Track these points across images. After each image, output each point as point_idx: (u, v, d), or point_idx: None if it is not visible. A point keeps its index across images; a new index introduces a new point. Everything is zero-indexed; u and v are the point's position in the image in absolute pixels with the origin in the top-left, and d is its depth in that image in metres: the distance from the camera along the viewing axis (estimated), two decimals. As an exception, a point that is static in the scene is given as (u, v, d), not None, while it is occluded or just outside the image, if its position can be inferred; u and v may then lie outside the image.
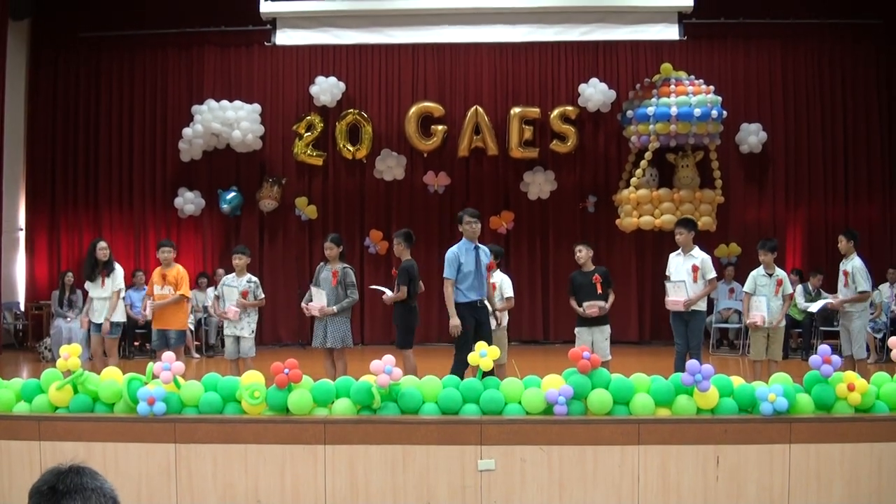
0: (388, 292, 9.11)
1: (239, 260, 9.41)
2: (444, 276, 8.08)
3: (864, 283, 8.84)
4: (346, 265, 9.18)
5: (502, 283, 9.03)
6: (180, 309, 9.35)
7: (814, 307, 10.29)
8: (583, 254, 9.03)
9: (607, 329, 8.95)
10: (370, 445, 5.62)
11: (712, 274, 8.65)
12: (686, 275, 8.64)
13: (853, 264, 8.94)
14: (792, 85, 14.24)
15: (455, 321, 7.98)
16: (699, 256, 8.71)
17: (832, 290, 12.99)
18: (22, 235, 14.36)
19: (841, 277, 9.16)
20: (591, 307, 8.84)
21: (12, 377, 6.42)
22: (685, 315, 8.56)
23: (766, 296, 8.74)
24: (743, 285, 13.38)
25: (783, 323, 8.78)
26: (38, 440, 5.65)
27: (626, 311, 14.20)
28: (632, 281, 14.18)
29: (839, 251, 9.32)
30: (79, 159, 14.45)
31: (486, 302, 8.46)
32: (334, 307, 8.90)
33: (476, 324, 8.10)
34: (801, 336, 12.57)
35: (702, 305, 8.72)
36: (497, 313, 8.84)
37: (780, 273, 8.90)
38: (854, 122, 14.22)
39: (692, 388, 5.66)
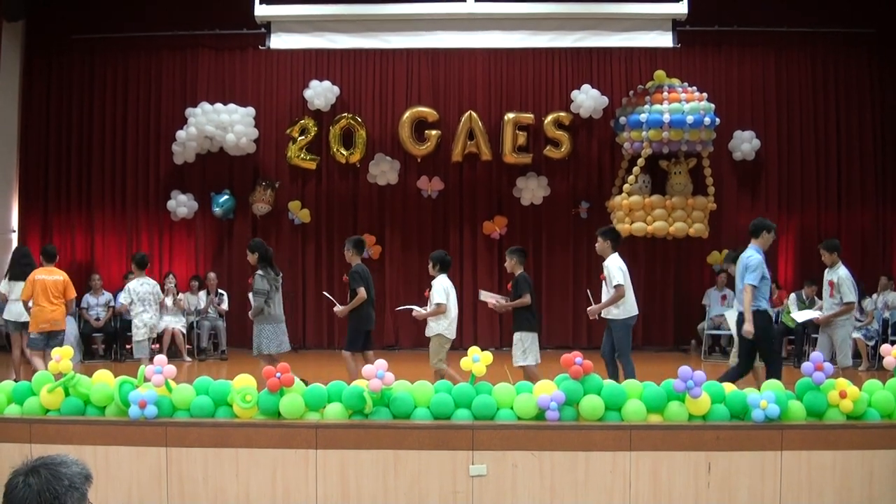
0: (339, 306, 9.29)
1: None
2: (748, 282, 8.09)
3: (849, 294, 8.83)
4: (259, 271, 9.17)
5: (435, 289, 9.06)
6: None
7: (800, 317, 10.29)
8: (507, 262, 9.29)
9: (517, 335, 9.00)
10: (362, 450, 5.61)
11: (616, 282, 8.66)
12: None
13: (839, 274, 8.94)
14: (785, 93, 14.27)
15: (749, 327, 8.02)
16: (608, 265, 8.83)
17: (818, 295, 13.07)
18: (14, 237, 14.31)
19: (826, 287, 9.19)
20: (488, 297, 9.33)
21: (3, 379, 6.39)
22: (608, 322, 8.81)
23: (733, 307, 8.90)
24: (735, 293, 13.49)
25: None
26: (28, 443, 5.64)
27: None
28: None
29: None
30: (72, 161, 14.42)
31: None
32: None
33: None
34: (794, 343, 12.58)
35: (616, 312, 8.74)
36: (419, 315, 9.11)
37: (835, 277, 9.01)
38: (847, 130, 14.27)
39: (684, 394, 5.67)
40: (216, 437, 5.66)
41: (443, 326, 8.95)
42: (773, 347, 8.53)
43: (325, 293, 10.14)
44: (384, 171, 13.93)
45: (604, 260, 8.94)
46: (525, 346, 8.89)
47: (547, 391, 5.74)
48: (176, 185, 14.10)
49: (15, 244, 14.18)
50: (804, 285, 12.77)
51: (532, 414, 5.72)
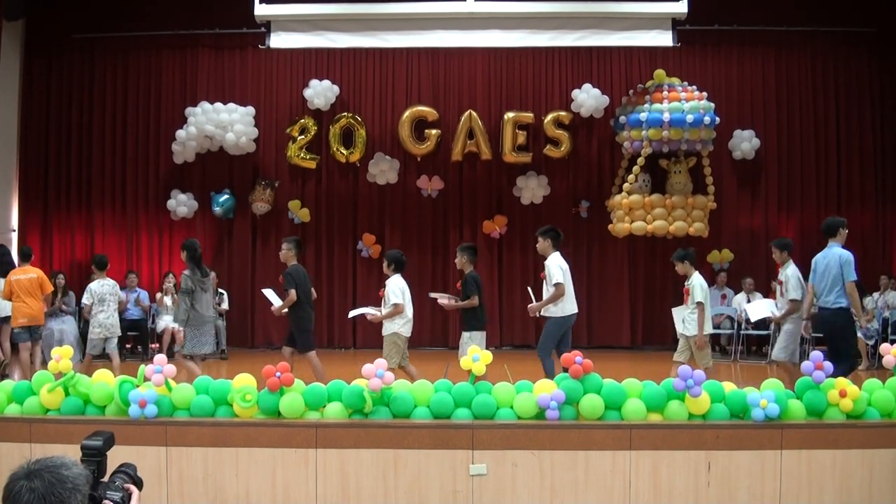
0: (277, 303, 9.41)
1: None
2: (851, 278, 8.34)
3: (793, 292, 8.79)
4: (186, 271, 9.23)
5: (390, 289, 9.06)
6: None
7: (752, 313, 10.20)
8: (457, 259, 9.45)
9: (465, 335, 9.09)
10: (361, 449, 5.61)
11: (555, 280, 8.77)
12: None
13: (787, 273, 8.93)
14: (785, 92, 14.27)
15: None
16: (548, 264, 8.95)
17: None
18: (14, 236, 14.30)
19: (778, 287, 9.22)
20: (440, 297, 9.45)
21: (3, 379, 6.39)
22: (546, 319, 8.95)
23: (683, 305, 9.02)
24: (735, 292, 13.54)
25: (689, 332, 8.84)
26: (28, 442, 5.64)
27: (619, 316, 14.23)
28: (623, 286, 14.21)
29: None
30: (72, 160, 14.43)
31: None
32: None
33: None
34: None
35: (553, 310, 8.85)
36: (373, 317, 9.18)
37: (688, 283, 8.99)
38: (847, 130, 14.27)
39: (684, 393, 5.66)
40: (216, 436, 5.66)
41: (398, 325, 8.93)
42: (851, 346, 8.60)
43: (264, 290, 10.22)
44: (384, 171, 13.92)
45: (545, 259, 9.06)
46: (474, 345, 8.88)
47: (547, 390, 5.74)
48: (176, 185, 14.10)
49: (15, 243, 14.20)
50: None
51: (532, 413, 5.72)
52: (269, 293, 9.89)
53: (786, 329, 8.90)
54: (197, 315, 9.08)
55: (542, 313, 8.93)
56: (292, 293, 9.26)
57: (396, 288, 8.96)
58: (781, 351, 8.87)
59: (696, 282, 8.87)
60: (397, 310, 8.85)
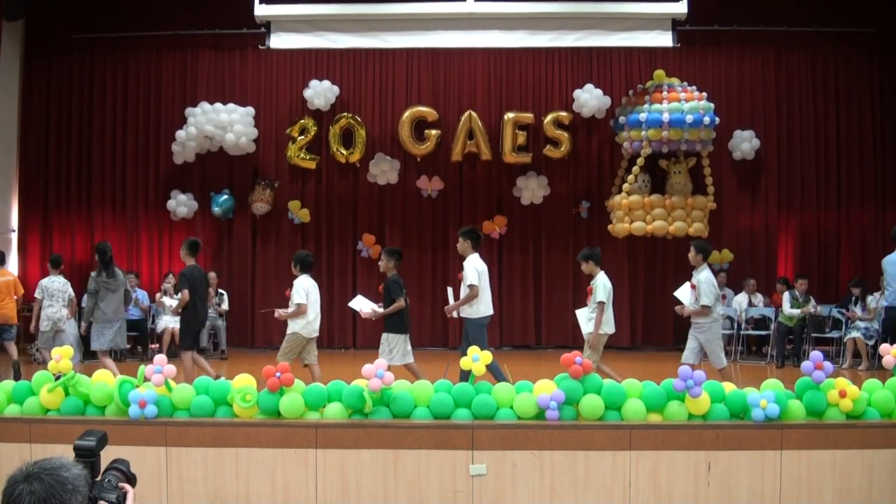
0: (367, 309, 9.45)
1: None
2: None
3: (705, 298, 8.64)
4: (93, 272, 9.75)
5: (295, 289, 9.18)
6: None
7: (680, 294, 10.02)
8: (381, 262, 9.54)
9: (384, 336, 9.15)
10: (361, 449, 5.61)
11: (470, 281, 8.89)
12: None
13: (699, 278, 8.79)
14: (785, 92, 14.26)
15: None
16: (465, 265, 9.05)
17: (819, 294, 13.10)
18: (14, 237, 14.31)
19: (690, 290, 9.18)
20: (361, 305, 9.49)
21: (3, 379, 6.39)
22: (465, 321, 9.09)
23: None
24: (735, 292, 13.54)
25: (587, 330, 9.00)
26: (28, 442, 5.64)
27: (619, 316, 14.03)
28: (624, 286, 14.17)
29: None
30: (72, 160, 14.42)
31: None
32: None
33: None
34: (793, 343, 12.59)
35: (469, 311, 8.96)
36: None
37: (593, 282, 9.09)
38: (847, 130, 14.26)
39: (684, 393, 5.67)
40: (216, 436, 5.67)
41: (300, 325, 9.01)
42: None
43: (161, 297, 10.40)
44: (384, 171, 13.92)
45: (463, 259, 9.15)
46: (391, 347, 9.02)
47: (547, 391, 5.75)
48: (176, 185, 14.09)
49: (15, 244, 14.22)
50: (795, 280, 12.81)
51: (532, 413, 5.72)
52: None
53: (707, 338, 8.72)
54: (101, 314, 9.58)
55: (458, 314, 9.11)
56: (185, 293, 9.47)
57: (301, 288, 9.09)
58: (718, 359, 8.77)
59: (600, 281, 9.02)
60: (300, 310, 8.97)
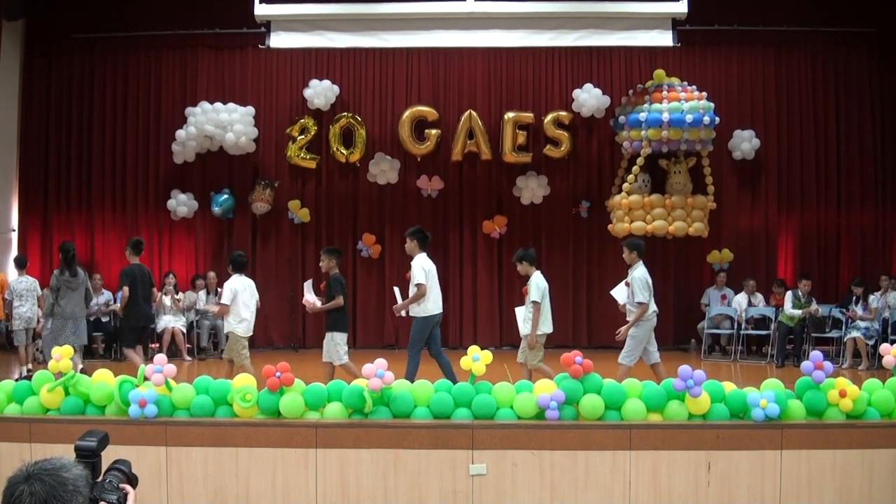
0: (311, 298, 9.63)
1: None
2: None
3: (639, 294, 8.74)
4: (55, 271, 10.32)
5: (224, 290, 9.43)
6: None
7: (617, 298, 10.00)
8: (322, 262, 9.64)
9: (328, 335, 9.29)
10: (361, 449, 5.61)
11: (416, 280, 9.06)
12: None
13: (633, 275, 8.87)
14: (785, 92, 14.26)
15: None
16: (413, 264, 9.24)
17: (819, 294, 13.08)
18: (14, 236, 14.31)
19: (626, 289, 9.21)
20: (307, 294, 9.60)
21: (3, 379, 6.39)
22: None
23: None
24: (735, 292, 13.54)
25: (524, 331, 9.14)
26: (28, 442, 5.64)
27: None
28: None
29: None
30: (72, 160, 14.41)
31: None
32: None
33: None
34: (793, 342, 12.60)
35: (417, 310, 9.15)
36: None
37: (528, 283, 9.18)
38: (847, 130, 14.25)
39: (684, 393, 5.67)
40: (216, 436, 5.67)
41: (233, 325, 9.21)
42: None
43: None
44: (384, 171, 13.92)
45: (411, 259, 9.32)
46: (338, 344, 9.21)
47: (547, 390, 5.75)
48: (176, 185, 14.09)
49: (15, 243, 14.22)
50: (800, 280, 12.80)
51: (532, 413, 5.72)
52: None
53: (633, 334, 8.80)
54: (59, 312, 10.05)
55: (407, 313, 9.27)
56: (125, 290, 9.94)
57: (228, 289, 9.27)
58: (626, 356, 8.84)
59: (534, 281, 9.12)
60: (223, 310, 9.22)
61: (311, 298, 9.46)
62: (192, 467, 5.65)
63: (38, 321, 11.52)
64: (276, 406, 5.73)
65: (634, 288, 8.81)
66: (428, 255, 9.40)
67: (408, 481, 5.61)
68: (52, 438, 5.63)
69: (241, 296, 9.21)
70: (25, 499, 2.33)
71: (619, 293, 9.52)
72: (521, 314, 9.31)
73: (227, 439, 5.65)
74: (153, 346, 12.89)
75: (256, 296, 9.58)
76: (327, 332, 9.28)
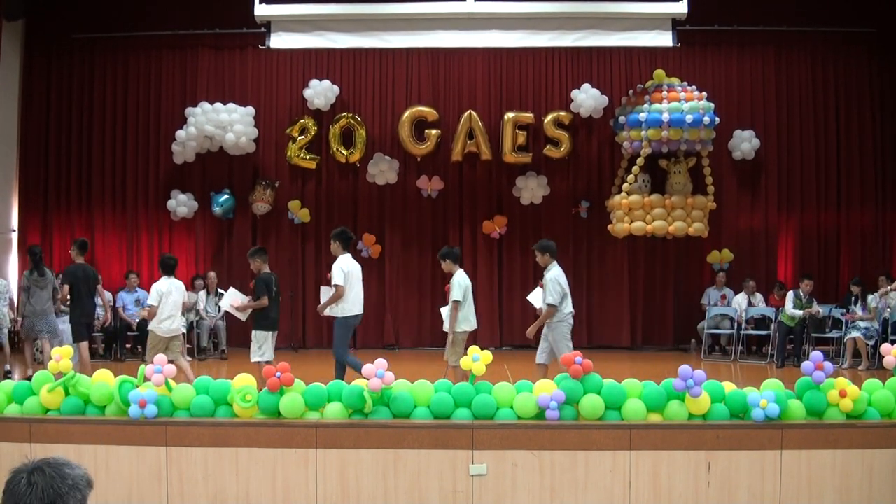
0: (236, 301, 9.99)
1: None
2: None
3: (550, 296, 8.70)
4: (25, 272, 10.83)
5: (151, 291, 9.79)
6: None
7: (534, 302, 9.96)
8: (251, 264, 9.92)
9: (253, 333, 9.63)
10: (361, 449, 5.61)
11: (335, 282, 9.24)
12: None
13: (547, 277, 8.83)
14: (785, 92, 14.27)
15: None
16: (333, 265, 9.39)
17: (819, 294, 13.09)
18: (14, 236, 14.31)
19: (542, 291, 9.22)
20: (233, 299, 9.94)
21: (9, 377, 6.39)
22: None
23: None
24: (735, 292, 13.54)
25: (447, 328, 9.27)
26: (28, 442, 5.64)
27: (618, 316, 14.22)
28: (623, 286, 14.20)
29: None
30: (72, 160, 14.42)
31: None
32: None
33: None
34: (793, 342, 12.60)
35: (335, 311, 9.34)
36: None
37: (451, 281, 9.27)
38: (847, 130, 14.26)
39: (684, 393, 5.66)
40: (216, 436, 5.66)
41: (154, 324, 9.49)
42: None
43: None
44: (384, 171, 13.92)
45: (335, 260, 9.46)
46: (260, 344, 9.47)
47: (547, 390, 5.74)
48: (176, 185, 14.09)
49: (15, 243, 14.22)
50: (800, 281, 12.81)
51: (532, 413, 5.72)
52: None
53: (555, 337, 8.74)
54: (30, 308, 10.67)
55: (327, 313, 9.46)
56: (65, 288, 10.49)
57: (155, 290, 9.56)
58: (541, 355, 8.89)
59: (455, 280, 9.22)
60: (151, 311, 9.49)
61: (238, 303, 9.84)
62: (192, 467, 5.65)
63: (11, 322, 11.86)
64: (276, 406, 5.72)
65: (547, 289, 8.79)
66: (353, 255, 9.65)
67: (408, 481, 5.60)
68: (52, 438, 5.62)
69: (166, 298, 9.50)
70: (23, 486, 2.39)
71: (535, 297, 9.61)
72: (446, 312, 9.41)
73: (227, 439, 5.65)
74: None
75: (185, 296, 10.15)
76: (253, 331, 9.59)
